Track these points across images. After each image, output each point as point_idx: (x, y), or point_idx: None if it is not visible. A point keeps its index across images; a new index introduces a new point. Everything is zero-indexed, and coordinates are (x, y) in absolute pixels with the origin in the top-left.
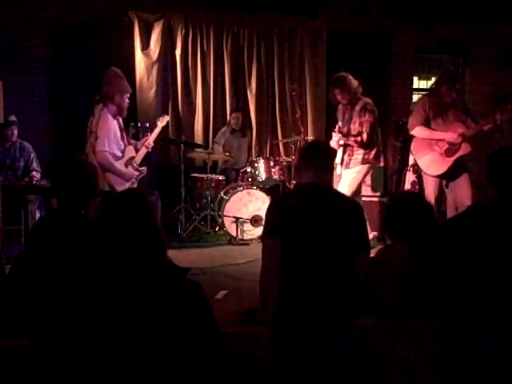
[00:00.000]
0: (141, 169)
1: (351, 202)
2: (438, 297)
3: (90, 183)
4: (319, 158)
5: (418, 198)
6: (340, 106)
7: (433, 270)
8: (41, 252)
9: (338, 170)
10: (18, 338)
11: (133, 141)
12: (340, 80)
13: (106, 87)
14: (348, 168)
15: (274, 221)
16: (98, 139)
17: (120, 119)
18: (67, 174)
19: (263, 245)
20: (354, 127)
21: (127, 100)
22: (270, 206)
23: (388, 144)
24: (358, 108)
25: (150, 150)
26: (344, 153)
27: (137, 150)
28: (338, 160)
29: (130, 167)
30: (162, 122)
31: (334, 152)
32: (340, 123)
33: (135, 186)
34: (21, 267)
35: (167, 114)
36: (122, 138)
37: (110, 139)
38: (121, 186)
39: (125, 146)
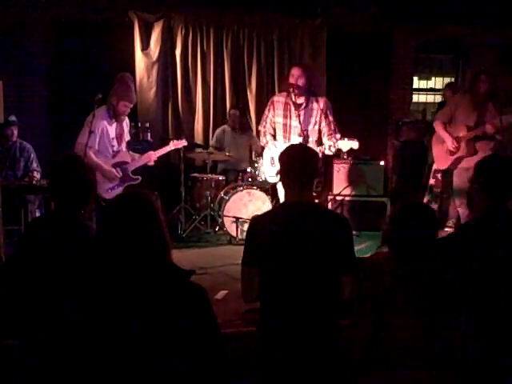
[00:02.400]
0: (134, 177)
1: (339, 219)
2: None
3: (86, 185)
4: (305, 172)
5: (423, 211)
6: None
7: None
8: (33, 254)
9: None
10: (8, 338)
11: (136, 154)
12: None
13: (112, 89)
14: None
15: (253, 247)
16: (81, 130)
17: (123, 124)
18: (63, 175)
19: (241, 270)
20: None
21: (124, 108)
22: (249, 228)
23: (388, 144)
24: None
25: (152, 164)
26: None
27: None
28: None
29: (116, 169)
30: (175, 146)
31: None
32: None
33: (120, 190)
34: (12, 268)
35: (167, 115)
36: (119, 142)
37: (95, 135)
38: (102, 191)
39: (119, 149)
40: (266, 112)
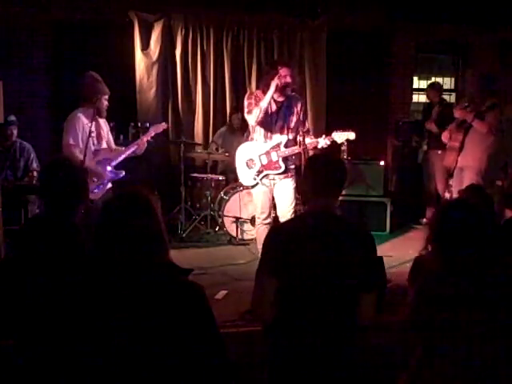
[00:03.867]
0: (117, 171)
1: (363, 233)
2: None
3: (78, 187)
4: (333, 184)
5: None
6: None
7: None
8: (26, 255)
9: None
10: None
11: (120, 148)
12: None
13: (84, 90)
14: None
15: (273, 256)
16: (63, 134)
17: (100, 121)
18: (55, 176)
19: (256, 278)
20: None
21: (106, 102)
22: (268, 234)
23: (388, 144)
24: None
25: (138, 152)
26: (288, 159)
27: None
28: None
29: (100, 167)
30: (155, 130)
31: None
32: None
33: (108, 187)
34: (5, 270)
35: (167, 115)
36: (99, 139)
37: (76, 134)
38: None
39: (98, 147)
40: (253, 101)
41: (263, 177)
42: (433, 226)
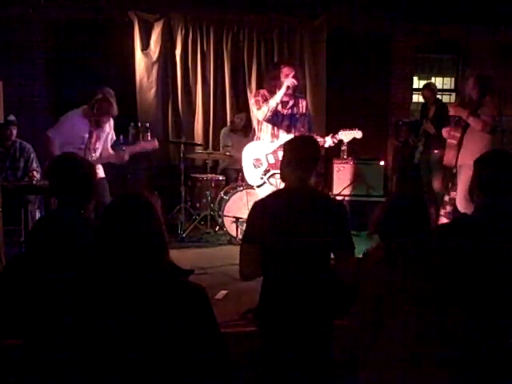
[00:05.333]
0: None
1: (336, 203)
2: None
3: (88, 182)
4: (307, 159)
5: (415, 200)
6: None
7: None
8: (38, 252)
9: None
10: (12, 337)
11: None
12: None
13: (91, 102)
14: None
15: (254, 228)
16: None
17: (106, 127)
18: (66, 172)
19: (240, 249)
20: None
21: (107, 120)
22: (250, 211)
23: (388, 144)
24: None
25: (117, 162)
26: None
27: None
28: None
29: None
30: (142, 148)
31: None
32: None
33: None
34: (16, 267)
35: (167, 115)
36: (90, 143)
37: (59, 132)
38: None
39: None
40: (260, 98)
41: (270, 176)
42: (374, 220)
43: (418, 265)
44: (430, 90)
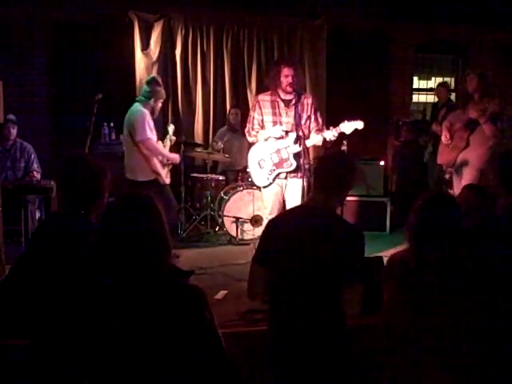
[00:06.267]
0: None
1: (355, 232)
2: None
3: (94, 184)
4: (332, 178)
5: (448, 201)
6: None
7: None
8: (40, 254)
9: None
10: (17, 338)
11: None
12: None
13: (146, 90)
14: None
15: (266, 248)
16: (136, 131)
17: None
18: (74, 170)
19: (250, 266)
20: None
21: (160, 105)
22: (264, 228)
23: (388, 144)
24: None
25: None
26: (300, 157)
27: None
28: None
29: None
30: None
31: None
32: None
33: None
34: (21, 269)
35: (167, 115)
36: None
37: (147, 129)
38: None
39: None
40: (252, 113)
41: (276, 176)
42: (408, 226)
43: (453, 272)
44: (445, 88)
